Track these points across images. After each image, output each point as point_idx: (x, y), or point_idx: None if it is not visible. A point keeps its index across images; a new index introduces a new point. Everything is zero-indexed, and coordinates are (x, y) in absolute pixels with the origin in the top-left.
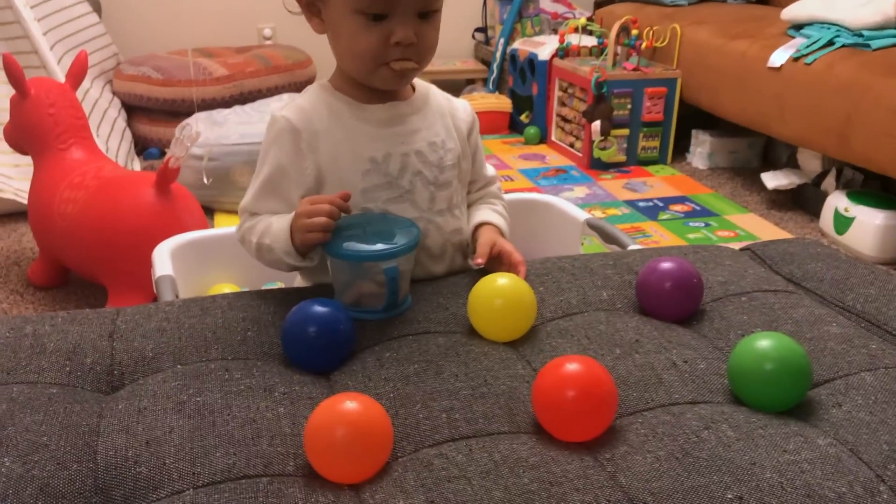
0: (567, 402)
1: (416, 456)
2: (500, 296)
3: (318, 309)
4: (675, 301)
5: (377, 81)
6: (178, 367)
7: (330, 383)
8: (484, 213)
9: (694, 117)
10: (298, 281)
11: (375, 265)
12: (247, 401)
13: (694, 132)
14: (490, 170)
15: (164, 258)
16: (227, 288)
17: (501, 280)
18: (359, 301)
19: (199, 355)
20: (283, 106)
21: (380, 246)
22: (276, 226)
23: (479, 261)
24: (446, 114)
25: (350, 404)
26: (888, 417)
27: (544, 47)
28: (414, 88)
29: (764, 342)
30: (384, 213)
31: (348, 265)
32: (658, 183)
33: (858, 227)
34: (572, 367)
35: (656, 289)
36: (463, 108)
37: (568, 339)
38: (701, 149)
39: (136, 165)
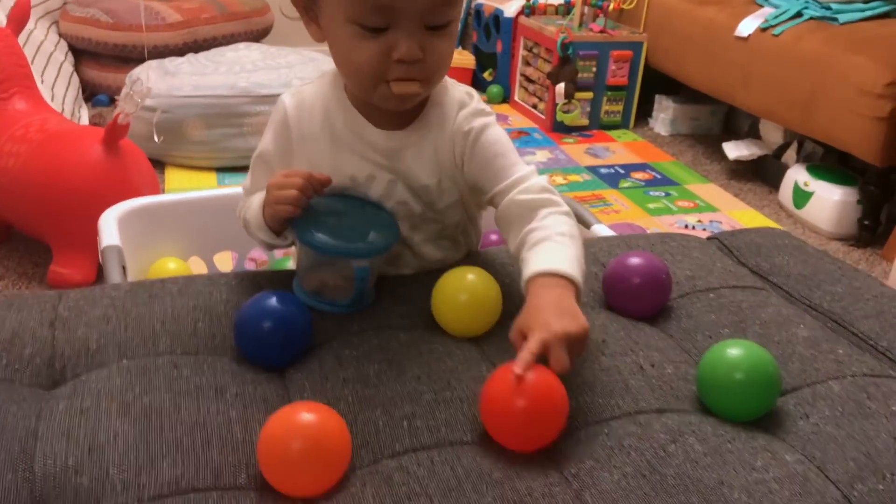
0: (509, 413)
1: (376, 468)
2: (464, 291)
3: (274, 303)
4: (643, 298)
5: (377, 100)
6: (124, 361)
7: (285, 382)
8: (542, 255)
9: (658, 82)
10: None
11: (346, 261)
12: (196, 402)
13: (657, 98)
14: (521, 169)
15: (110, 226)
16: (172, 262)
17: (467, 275)
18: (322, 290)
19: (146, 348)
20: (295, 89)
21: (353, 243)
22: (255, 200)
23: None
24: (448, 150)
25: (306, 416)
26: (854, 431)
27: (510, 3)
28: (426, 99)
29: (734, 351)
30: (364, 202)
31: (317, 254)
32: (620, 149)
33: (817, 201)
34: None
35: (624, 285)
36: (471, 131)
37: None
38: (663, 115)
39: (84, 112)
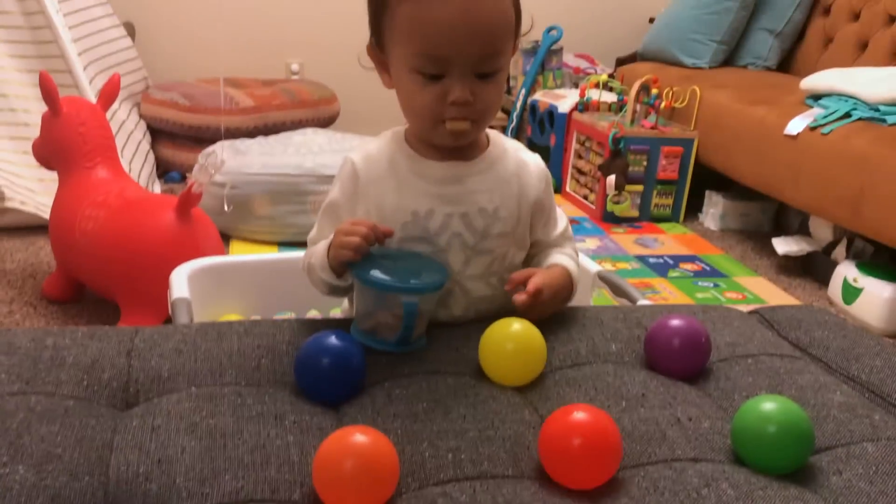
0: (573, 448)
1: (421, 493)
2: (511, 341)
3: (332, 341)
4: (683, 359)
5: (436, 138)
6: (193, 388)
7: (339, 415)
8: (552, 258)
9: (708, 178)
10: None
11: (396, 297)
12: (257, 426)
13: (707, 193)
14: (561, 225)
15: (181, 281)
16: (235, 318)
17: (513, 325)
18: (375, 329)
19: (213, 379)
20: (357, 146)
21: (403, 280)
22: (321, 245)
23: (508, 287)
24: (513, 181)
25: (360, 437)
26: (888, 489)
27: (565, 100)
28: (488, 143)
29: (768, 405)
30: (419, 253)
31: (372, 292)
32: (669, 240)
33: (866, 298)
34: (580, 415)
35: (664, 345)
36: (536, 172)
37: (575, 388)
38: (713, 210)
39: (157, 188)
